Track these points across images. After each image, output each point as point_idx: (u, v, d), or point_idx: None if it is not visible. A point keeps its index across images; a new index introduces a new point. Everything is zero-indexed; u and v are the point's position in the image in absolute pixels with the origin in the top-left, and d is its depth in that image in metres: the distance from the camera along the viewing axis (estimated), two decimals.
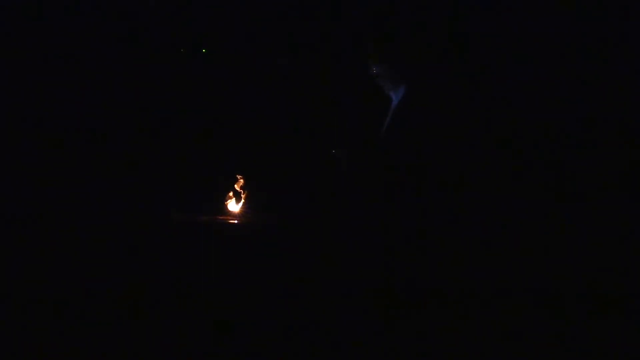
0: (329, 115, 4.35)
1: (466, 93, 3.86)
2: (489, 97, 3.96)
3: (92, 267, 4.06)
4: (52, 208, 4.27)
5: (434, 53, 3.83)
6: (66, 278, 4.02)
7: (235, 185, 4.19)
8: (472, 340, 3.47)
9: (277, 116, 4.47)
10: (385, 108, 3.55)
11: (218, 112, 4.55)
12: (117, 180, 4.37)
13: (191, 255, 3.88)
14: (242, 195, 4.17)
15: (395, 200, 3.37)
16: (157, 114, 4.50)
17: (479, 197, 3.69)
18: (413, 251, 3.35)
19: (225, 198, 4.21)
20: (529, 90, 3.98)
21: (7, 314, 3.78)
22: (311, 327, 3.63)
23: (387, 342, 3.38)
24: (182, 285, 3.85)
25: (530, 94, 3.97)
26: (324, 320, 3.64)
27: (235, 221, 4.08)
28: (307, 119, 4.42)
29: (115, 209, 4.28)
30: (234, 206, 4.20)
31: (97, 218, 4.24)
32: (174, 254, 3.91)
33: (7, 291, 3.93)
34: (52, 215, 4.26)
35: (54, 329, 3.67)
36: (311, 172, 4.20)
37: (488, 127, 3.89)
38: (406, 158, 3.35)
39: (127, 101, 4.47)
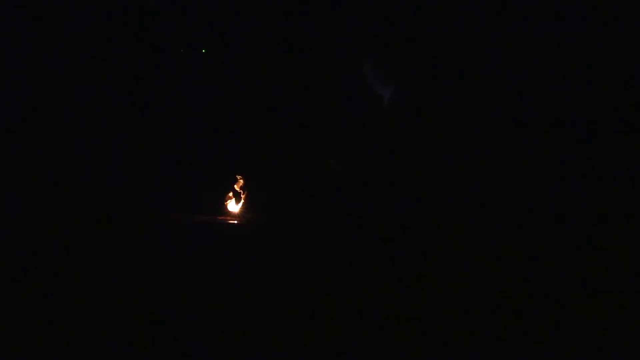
0: (327, 116, 4.36)
1: (456, 92, 3.87)
2: (478, 95, 3.96)
3: (92, 267, 4.07)
4: (52, 208, 4.28)
5: (424, 53, 3.85)
6: (66, 278, 4.02)
7: (235, 185, 4.20)
8: (472, 341, 3.47)
9: (276, 116, 4.48)
10: (377, 108, 3.58)
11: (218, 112, 4.56)
12: (117, 180, 4.37)
13: (191, 255, 3.89)
14: (242, 195, 4.17)
15: (391, 199, 3.38)
16: (157, 114, 4.51)
17: (471, 195, 3.70)
18: (411, 250, 3.36)
19: (225, 198, 4.22)
20: (521, 88, 3.98)
21: (6, 315, 3.79)
22: (311, 327, 3.64)
23: (387, 342, 3.39)
24: (182, 285, 3.85)
25: (521, 91, 3.98)
26: (324, 320, 3.64)
27: (235, 221, 4.09)
28: (306, 119, 4.42)
29: (115, 209, 4.28)
30: (234, 206, 4.20)
31: (97, 218, 4.25)
32: (174, 254, 3.92)
33: (7, 292, 3.93)
34: (52, 215, 4.26)
35: (54, 330, 3.67)
36: (310, 172, 4.21)
37: (479, 125, 3.90)
38: (398, 156, 3.37)
39: (127, 101, 4.48)
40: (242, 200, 4.17)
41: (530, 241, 3.84)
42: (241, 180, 4.20)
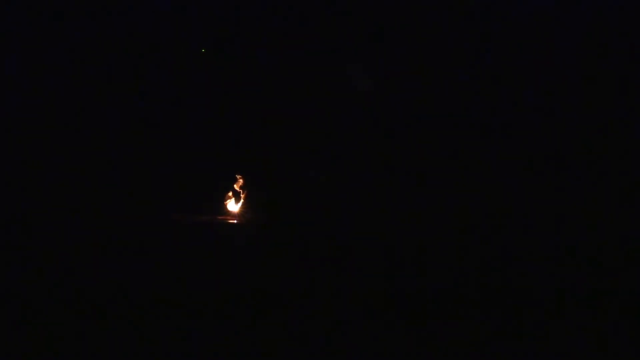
0: (326, 115, 4.36)
1: (436, 89, 3.88)
2: (458, 92, 3.97)
3: (92, 267, 4.07)
4: (53, 208, 4.28)
5: (405, 53, 3.86)
6: (66, 278, 4.02)
7: (235, 185, 4.20)
8: (473, 343, 3.48)
9: (275, 117, 4.48)
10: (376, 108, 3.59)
11: (218, 113, 4.56)
12: (117, 180, 4.37)
13: (191, 255, 3.89)
14: (242, 195, 4.18)
15: (388, 198, 3.40)
16: (158, 115, 4.51)
17: (458, 190, 3.70)
18: (409, 249, 3.37)
19: (225, 198, 4.22)
20: (506, 87, 4.00)
21: (6, 316, 3.78)
22: (310, 326, 3.64)
23: (386, 342, 3.39)
24: (182, 284, 3.85)
25: (504, 90, 3.99)
26: (324, 319, 3.64)
27: (235, 221, 4.10)
28: (305, 119, 4.43)
29: (115, 209, 4.28)
30: (233, 206, 4.21)
31: (98, 218, 4.25)
32: (174, 254, 3.92)
33: (7, 292, 3.93)
34: (53, 215, 4.26)
35: (54, 330, 3.67)
36: (310, 172, 4.21)
37: (458, 122, 3.90)
38: (395, 155, 3.40)
39: (127, 102, 4.48)
40: (242, 200, 4.18)
41: (529, 241, 3.85)
42: (241, 180, 4.20)
